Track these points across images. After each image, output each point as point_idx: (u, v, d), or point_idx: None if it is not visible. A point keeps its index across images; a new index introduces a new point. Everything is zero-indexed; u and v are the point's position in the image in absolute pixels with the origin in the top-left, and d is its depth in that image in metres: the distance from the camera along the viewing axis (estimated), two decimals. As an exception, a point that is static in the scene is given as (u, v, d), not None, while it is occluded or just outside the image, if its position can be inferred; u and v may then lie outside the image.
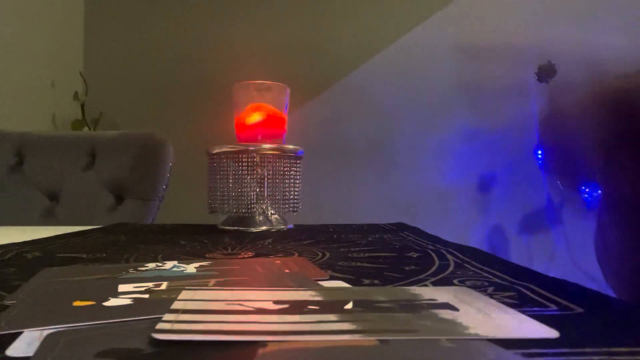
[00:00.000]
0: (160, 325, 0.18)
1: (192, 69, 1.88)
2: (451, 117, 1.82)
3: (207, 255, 0.42)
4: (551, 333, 0.18)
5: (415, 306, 0.22)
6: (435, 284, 0.30)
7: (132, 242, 0.52)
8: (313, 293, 0.25)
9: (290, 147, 0.68)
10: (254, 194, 0.66)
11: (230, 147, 0.66)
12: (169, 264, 0.36)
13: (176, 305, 0.22)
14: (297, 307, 0.22)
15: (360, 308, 0.22)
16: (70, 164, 1.11)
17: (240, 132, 0.71)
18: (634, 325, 0.21)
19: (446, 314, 0.21)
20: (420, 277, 0.32)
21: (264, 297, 0.24)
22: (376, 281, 0.31)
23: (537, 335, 0.19)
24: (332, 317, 0.20)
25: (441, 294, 0.24)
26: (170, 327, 0.18)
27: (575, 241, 1.68)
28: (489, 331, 0.19)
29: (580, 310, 0.23)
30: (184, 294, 0.24)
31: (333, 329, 0.19)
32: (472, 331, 0.18)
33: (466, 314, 0.21)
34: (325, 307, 0.22)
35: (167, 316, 0.20)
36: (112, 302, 0.23)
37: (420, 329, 0.19)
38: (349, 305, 0.22)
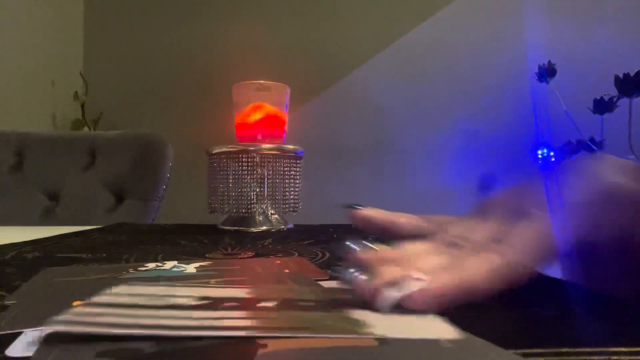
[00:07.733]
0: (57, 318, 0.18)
1: (192, 69, 1.88)
2: (451, 117, 1.82)
3: (207, 255, 0.42)
4: (454, 334, 0.18)
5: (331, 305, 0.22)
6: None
7: (132, 242, 0.52)
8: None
9: (290, 147, 0.68)
10: (254, 194, 0.66)
11: (230, 147, 0.66)
12: (169, 264, 0.36)
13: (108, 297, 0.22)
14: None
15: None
16: (70, 164, 1.11)
17: (240, 132, 0.71)
18: (634, 325, 0.21)
19: (358, 314, 0.21)
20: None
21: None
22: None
23: (441, 335, 0.18)
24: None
25: None
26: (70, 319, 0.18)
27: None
28: (393, 331, 0.18)
29: (580, 310, 0.23)
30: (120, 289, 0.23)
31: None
32: (372, 330, 0.18)
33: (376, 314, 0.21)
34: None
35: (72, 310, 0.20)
36: (112, 302, 0.23)
37: (315, 327, 0.19)
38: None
